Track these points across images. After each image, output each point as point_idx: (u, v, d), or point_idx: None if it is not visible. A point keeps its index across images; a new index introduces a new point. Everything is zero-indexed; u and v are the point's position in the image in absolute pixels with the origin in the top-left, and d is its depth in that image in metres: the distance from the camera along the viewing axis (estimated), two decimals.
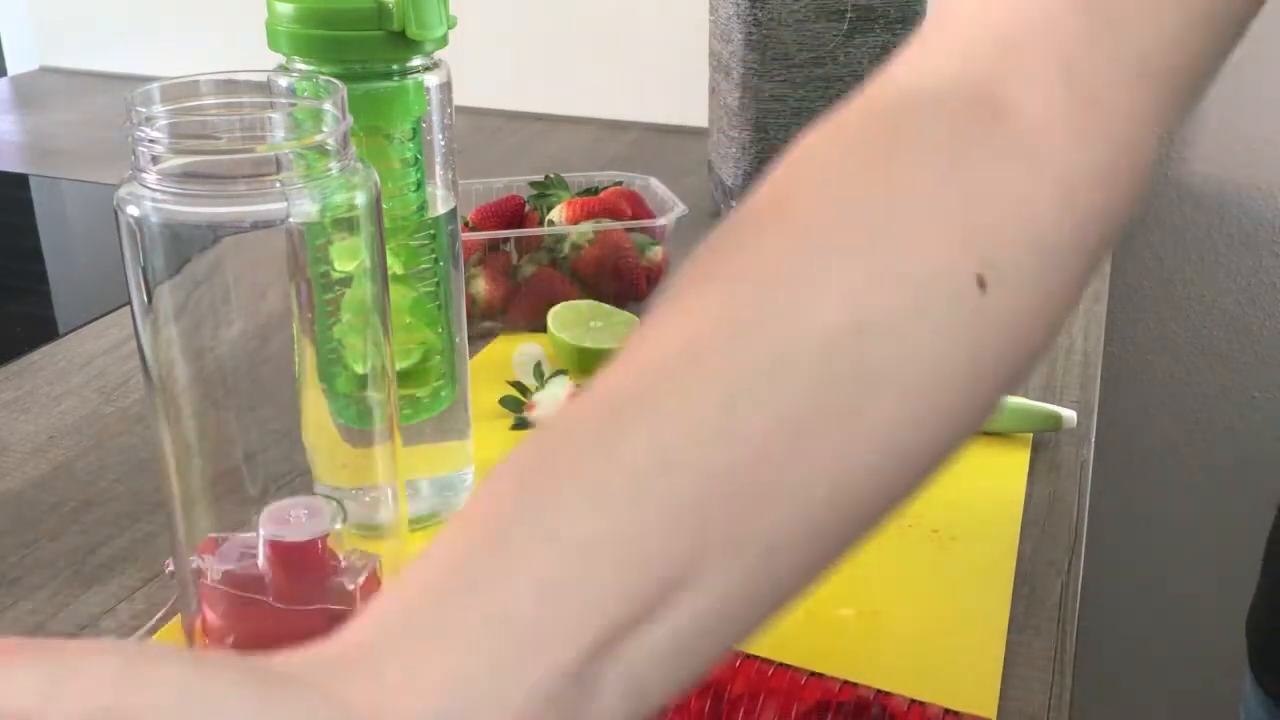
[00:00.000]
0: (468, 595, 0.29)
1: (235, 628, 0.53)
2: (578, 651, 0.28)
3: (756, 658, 0.49)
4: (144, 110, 0.45)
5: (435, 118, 0.58)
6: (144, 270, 0.47)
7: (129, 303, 0.49)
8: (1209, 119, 1.27)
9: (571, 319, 0.81)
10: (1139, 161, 0.38)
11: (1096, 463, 0.73)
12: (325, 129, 0.49)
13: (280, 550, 0.53)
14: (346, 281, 0.59)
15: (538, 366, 0.76)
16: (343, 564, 0.54)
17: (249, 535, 0.57)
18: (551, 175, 0.94)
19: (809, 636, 0.55)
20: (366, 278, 0.55)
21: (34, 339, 0.87)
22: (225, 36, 1.42)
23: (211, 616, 0.54)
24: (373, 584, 0.55)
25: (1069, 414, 0.72)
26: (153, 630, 0.56)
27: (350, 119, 0.49)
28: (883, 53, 0.96)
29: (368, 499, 0.64)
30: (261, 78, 0.50)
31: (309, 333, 0.61)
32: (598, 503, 0.30)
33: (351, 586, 0.53)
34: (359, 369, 0.61)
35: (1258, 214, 1.29)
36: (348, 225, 0.58)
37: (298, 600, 0.54)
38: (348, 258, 0.59)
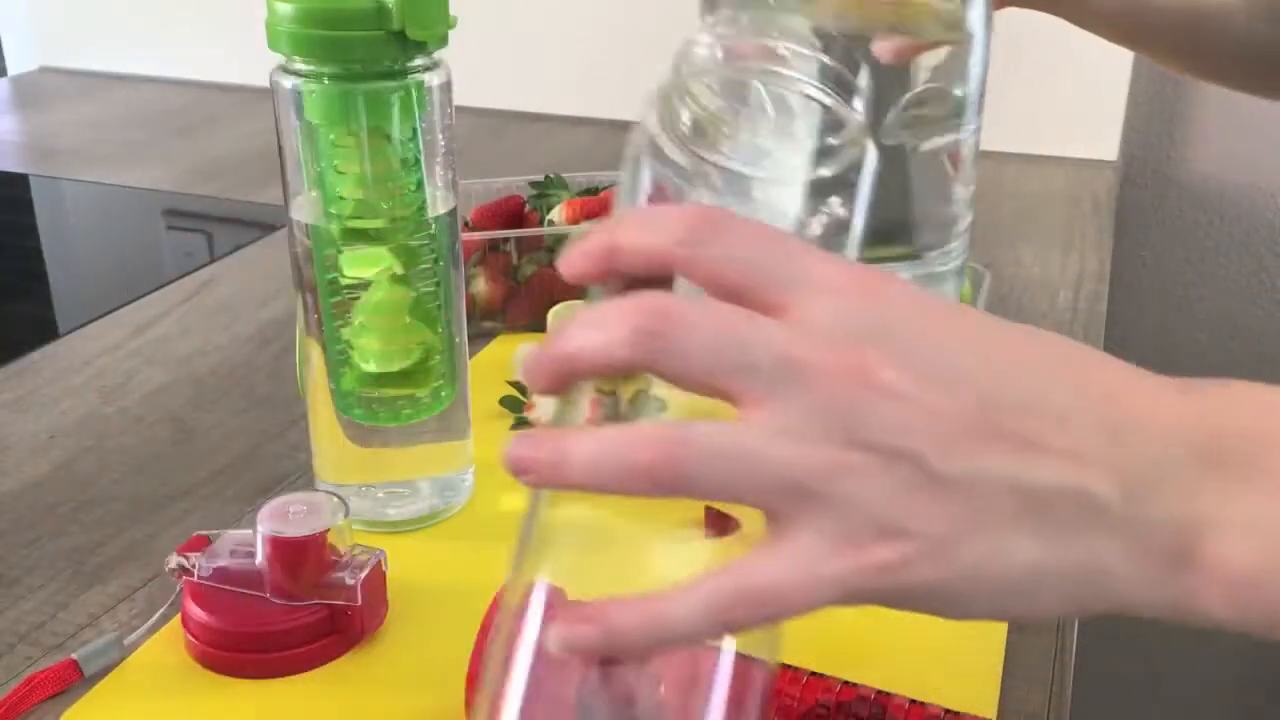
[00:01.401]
0: None
1: (229, 624, 0.53)
2: None
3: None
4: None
5: (435, 118, 0.58)
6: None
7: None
8: (1209, 119, 1.27)
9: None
10: None
11: None
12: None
13: (279, 546, 0.54)
14: (357, 286, 0.60)
15: None
16: (344, 559, 0.54)
17: (242, 532, 0.57)
18: (551, 175, 0.94)
19: (809, 636, 0.55)
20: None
21: (34, 339, 0.87)
22: (225, 36, 1.42)
23: (199, 613, 0.54)
24: (376, 578, 0.55)
25: None
26: (153, 630, 0.56)
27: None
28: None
29: (381, 494, 0.64)
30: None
31: (316, 334, 0.61)
32: None
33: (352, 581, 0.53)
34: (370, 367, 0.61)
35: (1258, 214, 1.29)
36: (361, 236, 0.58)
37: (296, 596, 0.54)
38: (362, 265, 0.59)
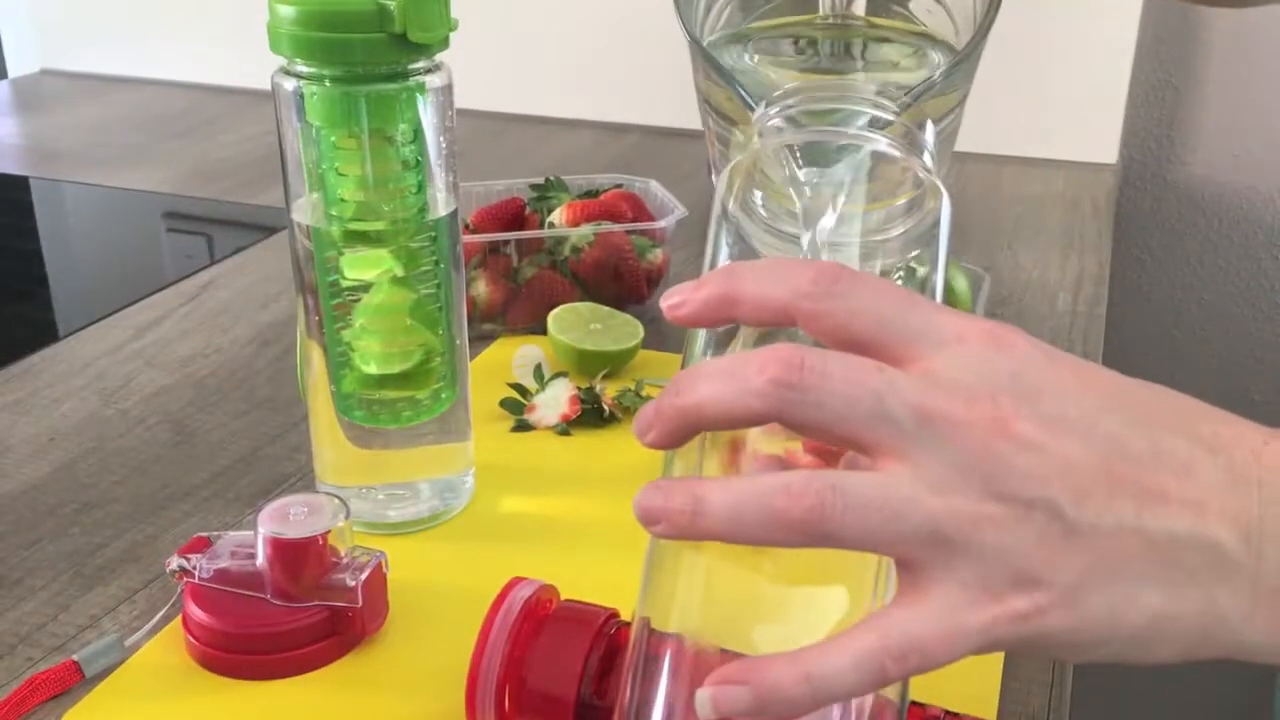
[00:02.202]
0: None
1: (229, 625, 0.53)
2: None
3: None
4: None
5: (436, 120, 0.59)
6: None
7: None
8: (1208, 122, 1.27)
9: (571, 321, 0.81)
10: None
11: None
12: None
13: (279, 547, 0.54)
14: (358, 288, 0.60)
15: (538, 369, 0.76)
16: (344, 560, 0.54)
17: (242, 534, 0.57)
18: (552, 177, 0.94)
19: None
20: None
21: (35, 341, 0.87)
22: (226, 39, 1.43)
23: (199, 615, 0.54)
24: (377, 580, 0.55)
25: None
26: (154, 631, 0.56)
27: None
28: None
29: (381, 496, 0.64)
30: None
31: (317, 336, 0.61)
32: None
33: (353, 583, 0.54)
34: (371, 369, 0.61)
35: (1256, 217, 1.29)
36: (362, 238, 0.59)
37: (297, 597, 0.54)
38: (362, 268, 0.59)
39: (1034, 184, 1.21)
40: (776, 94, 0.44)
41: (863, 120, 0.42)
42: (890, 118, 0.42)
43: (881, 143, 0.41)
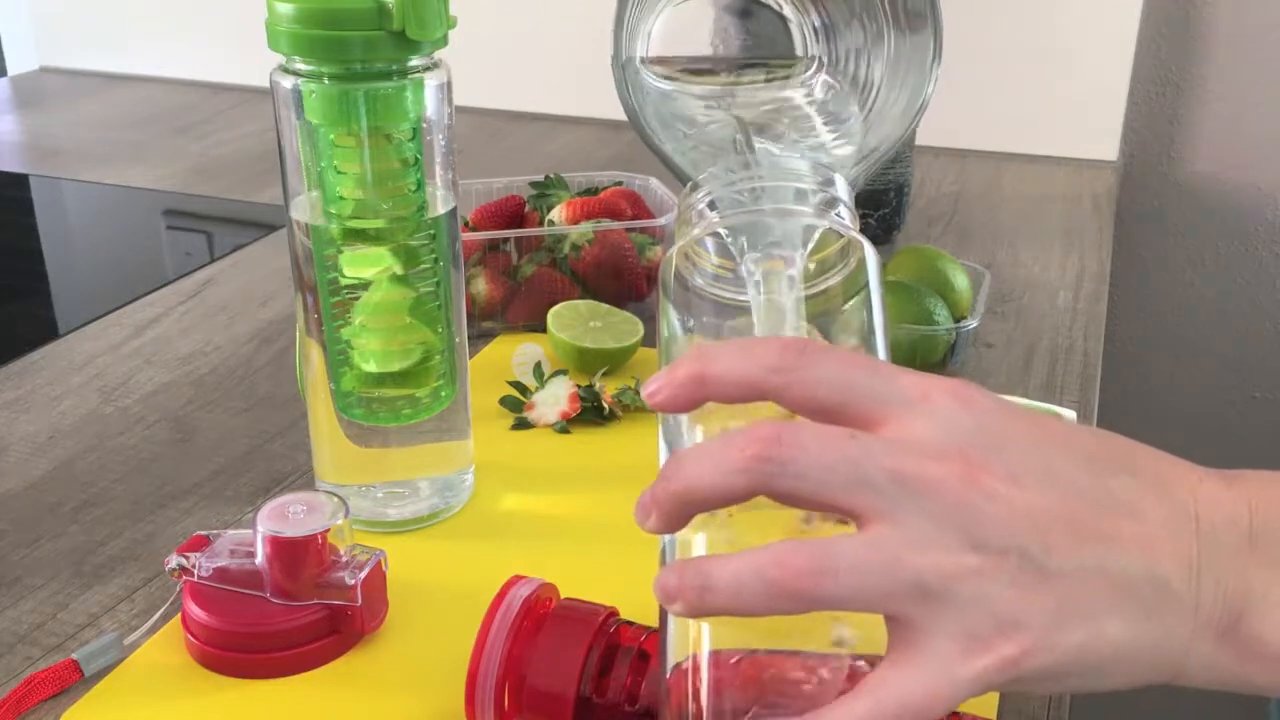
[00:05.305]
0: None
1: (228, 624, 0.53)
2: None
3: (757, 654, 0.49)
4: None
5: (435, 118, 0.58)
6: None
7: None
8: (1208, 119, 1.27)
9: (571, 319, 0.81)
10: None
11: None
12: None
13: (278, 546, 0.54)
14: (357, 286, 0.60)
15: (537, 366, 0.76)
16: (344, 559, 0.54)
17: (241, 532, 0.57)
18: (551, 175, 0.94)
19: None
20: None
21: (34, 339, 0.87)
22: (225, 37, 1.43)
23: (199, 613, 0.54)
24: (376, 578, 0.55)
25: (1069, 414, 0.72)
26: (153, 630, 0.56)
27: None
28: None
29: (380, 494, 0.64)
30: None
31: (316, 334, 0.61)
32: None
33: (352, 581, 0.53)
34: (370, 367, 0.61)
35: (1258, 214, 1.29)
36: (361, 236, 0.58)
37: (296, 596, 0.54)
38: (362, 265, 0.59)
39: (1034, 181, 1.21)
40: (701, 177, 0.46)
41: (787, 194, 0.45)
42: (806, 186, 0.44)
43: (806, 214, 0.44)
